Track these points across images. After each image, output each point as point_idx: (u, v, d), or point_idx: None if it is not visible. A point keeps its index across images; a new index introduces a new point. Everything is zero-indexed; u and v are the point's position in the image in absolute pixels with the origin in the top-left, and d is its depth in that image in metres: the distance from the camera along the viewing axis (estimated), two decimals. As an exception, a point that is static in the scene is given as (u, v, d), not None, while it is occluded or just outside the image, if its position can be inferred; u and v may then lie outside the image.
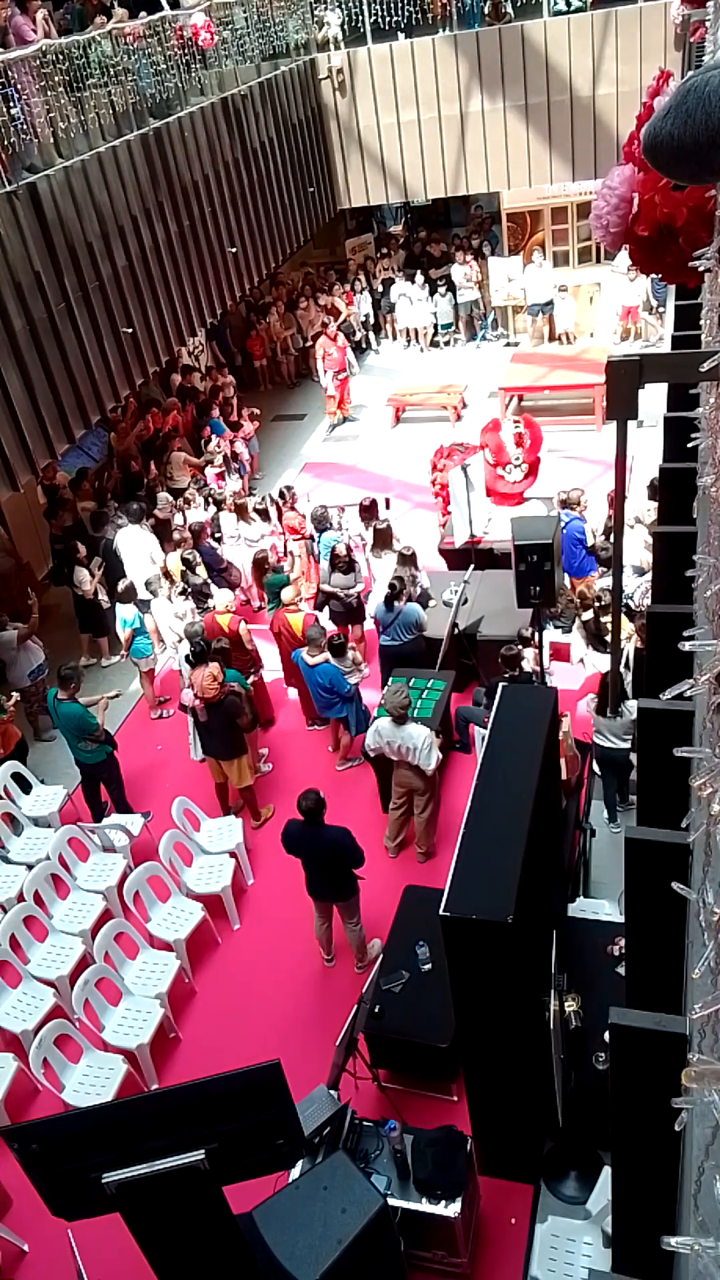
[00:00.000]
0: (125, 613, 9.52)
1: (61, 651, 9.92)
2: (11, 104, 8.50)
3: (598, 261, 16.91)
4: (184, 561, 10.28)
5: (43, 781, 8.96)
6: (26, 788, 8.67)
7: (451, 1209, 4.93)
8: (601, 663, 8.37)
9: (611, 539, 6.89)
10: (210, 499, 12.05)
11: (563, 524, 9.64)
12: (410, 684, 8.55)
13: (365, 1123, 5.33)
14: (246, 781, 8.24)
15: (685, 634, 2.12)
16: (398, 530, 10.79)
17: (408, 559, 9.59)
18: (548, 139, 15.03)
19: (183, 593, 10.06)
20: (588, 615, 8.66)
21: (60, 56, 9.11)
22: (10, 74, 8.51)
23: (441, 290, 17.41)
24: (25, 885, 7.42)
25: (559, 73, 14.52)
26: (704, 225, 3.29)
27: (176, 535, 10.77)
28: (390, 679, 8.71)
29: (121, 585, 9.70)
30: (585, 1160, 5.31)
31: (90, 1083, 6.19)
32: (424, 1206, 4.96)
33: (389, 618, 8.88)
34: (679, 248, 3.44)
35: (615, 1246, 2.87)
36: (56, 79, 9.03)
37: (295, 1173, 4.86)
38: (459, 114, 15.20)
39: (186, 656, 8.44)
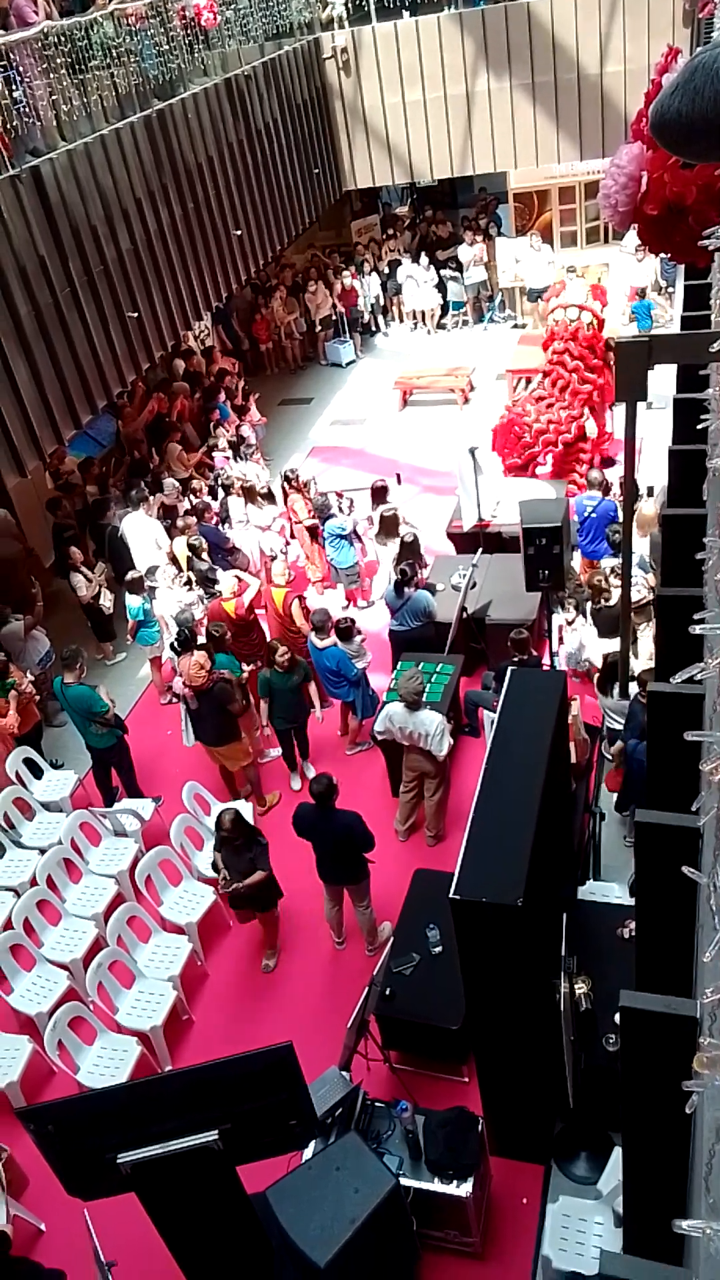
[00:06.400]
0: (132, 602, 9.54)
1: (68, 638, 9.93)
2: (14, 87, 8.44)
3: (606, 242, 16.79)
4: (190, 548, 10.27)
5: (57, 765, 9.01)
6: (38, 773, 8.71)
7: (463, 1189, 4.97)
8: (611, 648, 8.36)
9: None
10: (218, 484, 12.03)
11: (594, 504, 9.60)
12: (419, 668, 8.55)
13: (377, 1104, 5.37)
14: (241, 763, 8.28)
15: (695, 617, 2.12)
16: (406, 513, 10.78)
17: (409, 546, 9.55)
18: (555, 118, 14.88)
19: (186, 583, 10.06)
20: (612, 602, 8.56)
21: (62, 38, 9.04)
22: (12, 56, 8.44)
23: (451, 270, 17.30)
24: (38, 869, 7.47)
25: (566, 51, 14.37)
26: (713, 204, 3.26)
27: (181, 523, 10.75)
28: (399, 663, 8.72)
29: (130, 576, 9.70)
30: (596, 1141, 5.34)
31: (105, 1064, 6.25)
32: (436, 1186, 5.00)
33: (398, 603, 8.88)
34: (688, 226, 3.42)
35: (626, 1227, 2.89)
36: (59, 61, 8.96)
37: (308, 1153, 4.90)
38: (465, 93, 15.05)
39: (172, 644, 8.46)
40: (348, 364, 17.21)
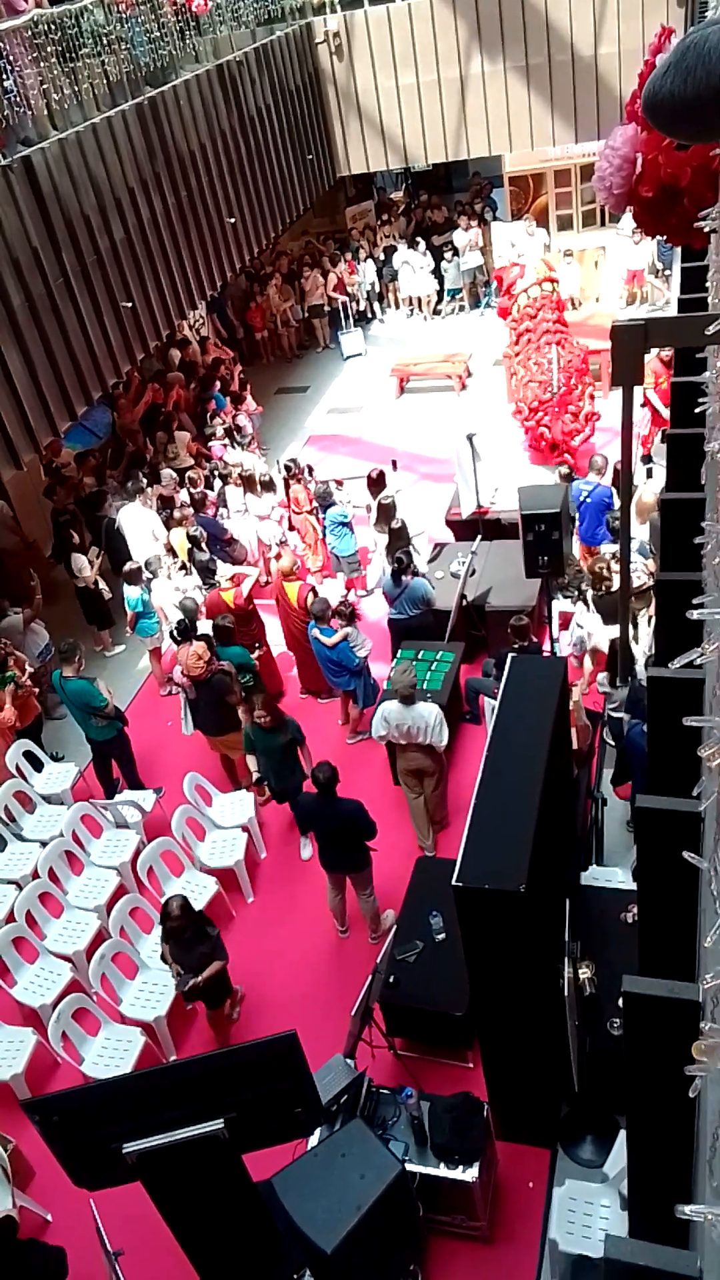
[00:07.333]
0: (130, 593, 9.53)
1: (67, 629, 9.93)
2: (4, 76, 8.37)
3: (602, 225, 16.69)
4: (190, 539, 10.26)
5: (57, 758, 9.01)
6: (38, 766, 8.71)
7: (469, 1174, 4.98)
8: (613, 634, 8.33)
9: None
10: (215, 473, 12.00)
11: (589, 490, 9.57)
12: (419, 656, 8.54)
13: (382, 1090, 5.39)
14: (241, 751, 8.28)
15: (695, 601, 2.11)
16: (404, 501, 10.75)
17: (397, 532, 9.53)
18: (549, 100, 14.78)
19: (182, 567, 10.05)
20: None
21: (52, 26, 8.97)
22: (2, 45, 8.38)
23: (448, 256, 17.22)
24: (40, 862, 7.48)
25: (560, 32, 14.26)
26: (709, 184, 3.23)
27: (178, 514, 10.73)
28: (399, 652, 8.70)
29: (127, 567, 9.69)
30: (601, 1124, 5.37)
31: (109, 1055, 6.27)
32: (442, 1171, 5.01)
33: (396, 591, 8.86)
34: (684, 208, 3.39)
35: (631, 1211, 2.90)
36: (49, 49, 8.90)
37: (313, 1140, 4.92)
38: (459, 76, 14.95)
39: (171, 633, 8.44)
40: (354, 355, 17.02)
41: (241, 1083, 4.18)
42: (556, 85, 14.64)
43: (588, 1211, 4.85)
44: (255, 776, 7.67)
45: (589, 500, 9.53)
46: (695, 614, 1.96)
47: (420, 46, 14.86)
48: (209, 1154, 4.20)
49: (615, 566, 8.13)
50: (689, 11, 12.03)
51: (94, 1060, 6.24)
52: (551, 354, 11.77)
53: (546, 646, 8.41)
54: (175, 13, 11.20)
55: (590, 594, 8.55)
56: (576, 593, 8.87)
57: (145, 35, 10.62)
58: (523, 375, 12.15)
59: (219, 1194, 4.45)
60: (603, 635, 8.38)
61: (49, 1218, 5.79)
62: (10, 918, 7.08)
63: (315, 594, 9.04)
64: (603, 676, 7.94)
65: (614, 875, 6.39)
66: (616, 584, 8.07)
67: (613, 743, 7.52)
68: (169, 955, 6.11)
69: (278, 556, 10.23)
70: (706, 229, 2.93)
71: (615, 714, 7.17)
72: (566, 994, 4.64)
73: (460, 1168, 5.00)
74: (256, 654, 8.85)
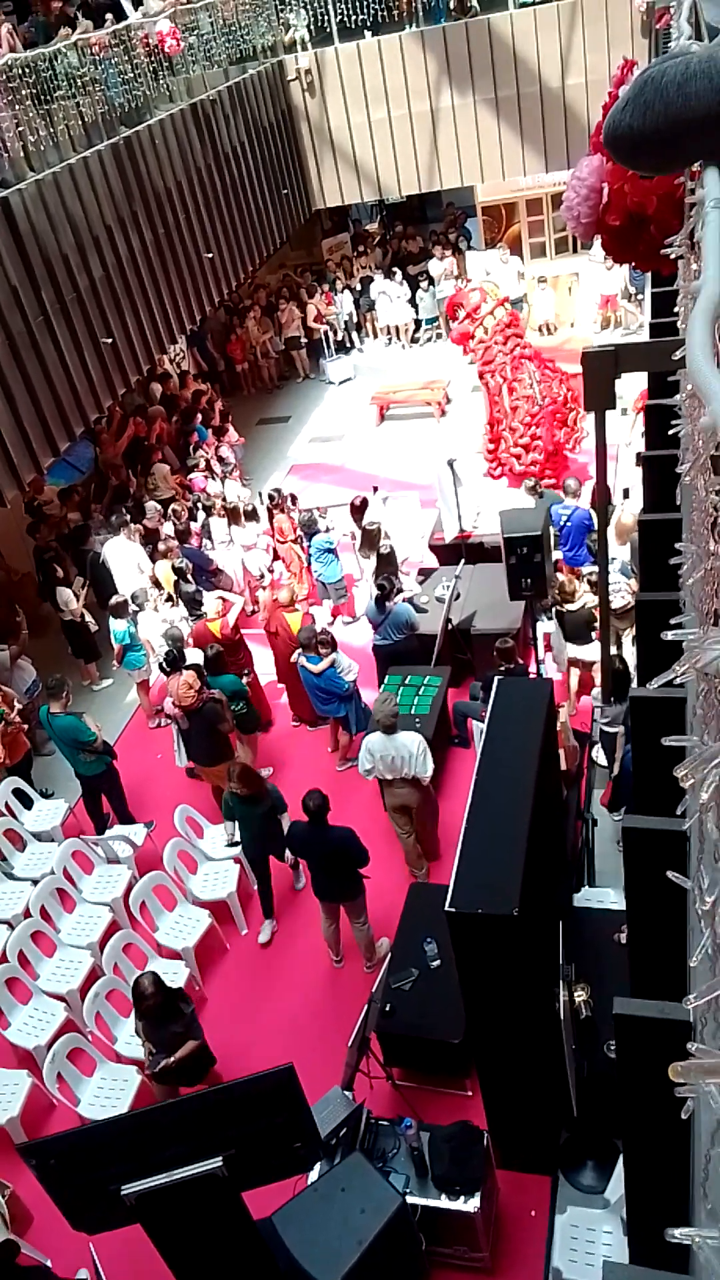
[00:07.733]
0: (117, 626, 9.52)
1: (55, 664, 9.91)
2: (-20, 120, 8.49)
3: (575, 251, 16.94)
4: (175, 571, 10.28)
5: (47, 794, 8.95)
6: (28, 803, 8.66)
7: (470, 1204, 4.93)
8: (582, 654, 8.41)
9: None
10: (199, 505, 12.05)
11: (569, 513, 9.65)
12: (406, 681, 8.56)
13: (381, 1122, 5.33)
14: None
15: (672, 622, 2.13)
16: (392, 524, 10.81)
17: (385, 558, 9.58)
18: (519, 131, 15.03)
19: (168, 599, 10.06)
20: (571, 606, 8.59)
21: (27, 70, 9.10)
22: (-23, 90, 8.50)
23: (423, 286, 17.43)
24: (31, 901, 7.42)
25: (527, 64, 14.53)
26: (674, 212, 3.29)
27: (163, 546, 10.76)
28: (386, 677, 8.72)
29: (113, 600, 9.70)
30: (601, 1149, 5.32)
31: (105, 1095, 6.20)
32: (443, 1203, 4.96)
33: (379, 617, 8.89)
34: (651, 235, 3.45)
35: (631, 1236, 2.88)
36: (24, 92, 9.02)
37: (313, 1175, 4.86)
38: (429, 110, 15.19)
39: (160, 665, 8.43)
40: (346, 380, 17.20)
41: (239, 1118, 4.14)
42: (526, 116, 14.89)
43: (590, 1239, 4.81)
44: (231, 839, 7.50)
45: (569, 524, 9.61)
46: (671, 634, 1.98)
47: (391, 81, 15.11)
48: (208, 1193, 4.15)
49: (582, 585, 8.25)
50: (653, 43, 12.28)
51: (90, 1101, 6.17)
52: (527, 370, 11.90)
53: (532, 668, 8.44)
54: (148, 54, 11.37)
55: (554, 609, 8.64)
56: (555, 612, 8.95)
57: (119, 76, 10.78)
58: (506, 401, 12.25)
59: (219, 1234, 4.39)
60: (561, 650, 8.43)
61: (48, 1263, 5.68)
62: (2, 958, 7.01)
63: (314, 622, 9.06)
64: (597, 692, 8.00)
65: (606, 896, 6.39)
66: (578, 602, 8.19)
67: (603, 762, 7.54)
68: (141, 1032, 5.90)
69: (270, 586, 10.28)
70: (673, 255, 2.98)
71: (608, 729, 7.20)
72: (562, 1018, 4.62)
73: (461, 1198, 4.95)
74: (245, 681, 8.85)
